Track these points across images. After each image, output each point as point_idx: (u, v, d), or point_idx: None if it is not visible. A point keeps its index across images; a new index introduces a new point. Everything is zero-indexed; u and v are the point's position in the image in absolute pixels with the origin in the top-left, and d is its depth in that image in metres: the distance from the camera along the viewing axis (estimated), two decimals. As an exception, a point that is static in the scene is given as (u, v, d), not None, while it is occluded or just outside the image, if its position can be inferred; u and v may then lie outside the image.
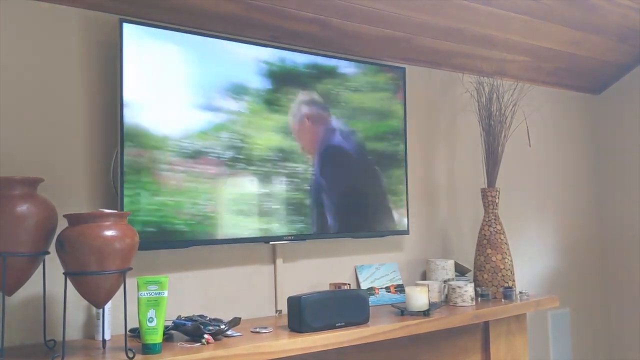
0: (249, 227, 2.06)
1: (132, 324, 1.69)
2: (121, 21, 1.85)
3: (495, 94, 2.59)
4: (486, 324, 2.35)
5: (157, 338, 1.58)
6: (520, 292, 2.50)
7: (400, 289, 2.46)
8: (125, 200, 1.82)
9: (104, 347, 1.67)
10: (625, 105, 3.46)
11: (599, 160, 3.56)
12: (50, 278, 1.65)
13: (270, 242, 2.16)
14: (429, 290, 2.17)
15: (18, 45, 1.80)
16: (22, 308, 1.73)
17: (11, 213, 1.48)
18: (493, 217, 2.55)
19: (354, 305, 1.94)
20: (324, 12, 2.22)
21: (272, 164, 2.13)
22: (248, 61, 2.10)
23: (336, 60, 2.33)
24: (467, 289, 2.30)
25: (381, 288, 2.43)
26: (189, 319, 1.77)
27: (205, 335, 1.67)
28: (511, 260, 2.53)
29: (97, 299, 1.55)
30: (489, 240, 2.52)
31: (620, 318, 3.45)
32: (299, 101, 2.21)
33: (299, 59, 2.23)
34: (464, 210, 2.86)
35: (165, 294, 1.62)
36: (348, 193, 2.33)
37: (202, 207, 1.96)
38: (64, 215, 1.55)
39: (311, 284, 2.29)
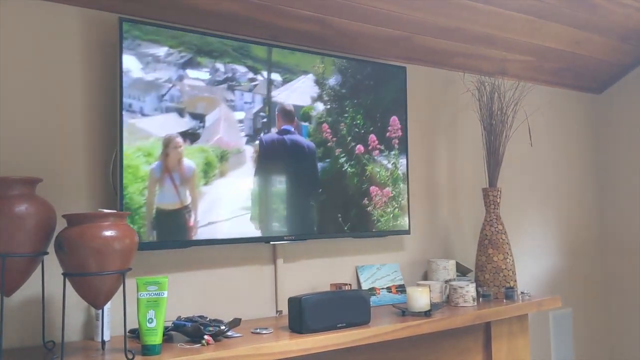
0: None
1: (132, 324, 1.68)
2: (121, 20, 1.84)
3: (496, 94, 2.58)
4: (488, 325, 2.34)
5: (157, 339, 1.57)
6: (522, 293, 2.49)
7: (401, 289, 2.45)
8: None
9: (103, 348, 1.66)
10: (627, 105, 3.45)
11: (600, 160, 3.55)
12: (49, 279, 1.64)
13: (271, 242, 2.15)
14: (430, 291, 2.16)
15: (17, 44, 1.78)
16: (20, 309, 1.71)
17: (10, 213, 1.47)
18: (494, 217, 2.54)
19: (355, 306, 1.93)
20: (324, 11, 2.21)
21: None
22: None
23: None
24: (469, 289, 2.29)
25: (382, 288, 2.42)
26: (189, 319, 1.76)
27: (205, 336, 1.66)
28: (513, 260, 2.52)
29: (96, 299, 1.54)
30: (490, 240, 2.51)
31: (622, 318, 3.44)
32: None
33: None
34: (466, 210, 2.85)
35: (165, 294, 1.61)
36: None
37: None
38: (63, 216, 1.54)
39: (312, 284, 2.28)
